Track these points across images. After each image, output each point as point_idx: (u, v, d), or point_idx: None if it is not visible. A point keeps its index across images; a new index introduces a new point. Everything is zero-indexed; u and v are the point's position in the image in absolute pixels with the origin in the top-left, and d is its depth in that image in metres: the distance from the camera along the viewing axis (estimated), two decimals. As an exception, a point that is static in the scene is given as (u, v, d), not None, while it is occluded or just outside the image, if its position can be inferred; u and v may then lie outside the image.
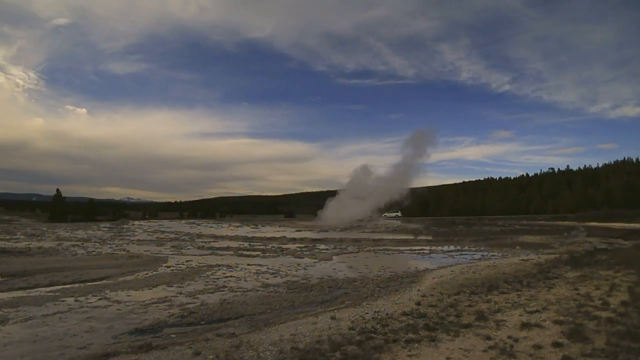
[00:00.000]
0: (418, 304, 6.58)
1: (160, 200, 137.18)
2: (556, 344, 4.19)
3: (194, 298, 7.76)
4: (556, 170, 69.99)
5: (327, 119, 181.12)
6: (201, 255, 15.10)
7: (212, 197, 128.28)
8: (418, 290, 7.91)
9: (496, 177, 79.25)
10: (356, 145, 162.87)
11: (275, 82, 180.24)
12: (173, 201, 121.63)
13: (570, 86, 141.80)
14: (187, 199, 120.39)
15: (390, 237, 24.43)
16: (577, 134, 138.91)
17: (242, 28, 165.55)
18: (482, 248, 17.47)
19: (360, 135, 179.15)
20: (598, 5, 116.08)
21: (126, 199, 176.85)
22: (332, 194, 50.51)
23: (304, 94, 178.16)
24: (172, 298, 7.75)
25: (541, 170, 77.73)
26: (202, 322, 6.12)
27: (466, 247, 17.99)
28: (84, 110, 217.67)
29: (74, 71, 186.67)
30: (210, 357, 4.20)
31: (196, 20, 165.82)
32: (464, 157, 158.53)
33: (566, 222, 33.74)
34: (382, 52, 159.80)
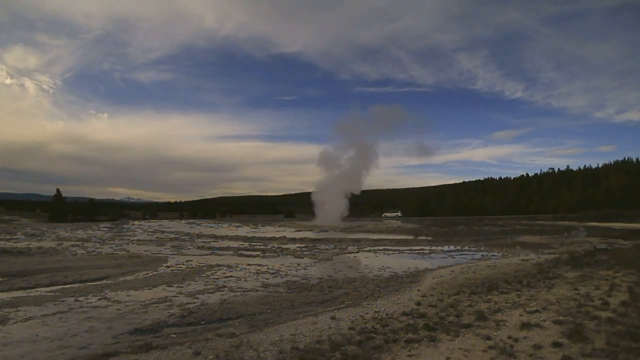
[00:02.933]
0: (418, 304, 6.58)
1: (161, 200, 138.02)
2: (556, 344, 4.19)
3: (194, 298, 7.76)
4: (556, 170, 70.11)
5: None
6: (201, 255, 15.10)
7: (212, 197, 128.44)
8: (418, 290, 7.91)
9: (497, 177, 79.38)
10: None
11: (299, 89, 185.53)
12: (173, 201, 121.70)
13: (580, 93, 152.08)
14: (189, 199, 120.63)
15: (390, 237, 24.42)
16: (582, 137, 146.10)
17: (275, 42, 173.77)
18: (482, 248, 17.47)
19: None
20: (607, 22, 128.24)
21: (126, 199, 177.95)
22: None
23: (324, 101, 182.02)
24: (172, 298, 7.74)
25: (541, 170, 77.78)
26: (202, 322, 6.12)
27: (466, 247, 17.99)
28: (105, 115, 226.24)
29: (102, 79, 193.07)
30: (210, 357, 4.20)
31: (232, 36, 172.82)
32: (470, 159, 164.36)
33: (566, 222, 33.76)
34: (403, 61, 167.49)
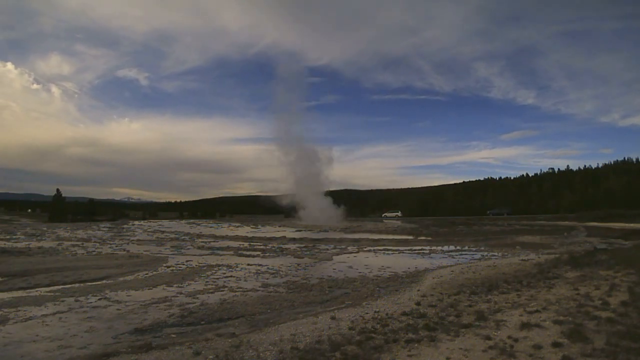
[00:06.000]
0: (418, 304, 6.58)
1: (163, 200, 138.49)
2: (556, 344, 4.18)
3: (194, 298, 7.76)
4: (556, 170, 70.03)
5: (356, 127, 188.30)
6: (201, 255, 15.10)
7: (212, 197, 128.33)
8: (418, 290, 7.90)
9: (497, 177, 79.32)
10: (373, 148, 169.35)
11: (320, 96, 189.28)
12: (173, 201, 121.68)
13: (588, 99, 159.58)
14: (190, 199, 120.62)
15: (390, 237, 24.42)
16: (587, 140, 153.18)
17: (305, 56, 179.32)
18: (482, 248, 17.47)
19: (380, 139, 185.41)
20: (613, 38, 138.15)
21: (126, 199, 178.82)
22: (335, 193, 50.45)
23: (343, 107, 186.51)
24: (172, 298, 7.75)
25: (541, 170, 77.66)
26: (202, 322, 6.12)
27: (466, 247, 17.99)
28: (126, 119, 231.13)
29: (128, 85, 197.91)
30: (210, 357, 4.20)
31: (264, 51, 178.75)
32: (476, 160, 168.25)
33: (566, 222, 33.70)
34: (424, 70, 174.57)
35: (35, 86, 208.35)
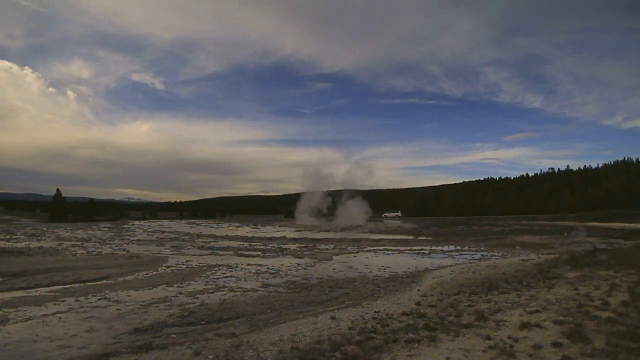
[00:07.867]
0: (418, 304, 6.58)
1: (161, 200, 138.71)
2: (556, 344, 4.18)
3: (194, 298, 7.76)
4: (556, 170, 69.92)
5: (364, 129, 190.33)
6: (201, 255, 15.10)
7: (212, 197, 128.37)
8: (418, 290, 7.91)
9: (497, 177, 79.24)
10: (379, 149, 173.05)
11: (332, 100, 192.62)
12: (173, 201, 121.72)
13: (593, 102, 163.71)
14: (191, 199, 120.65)
15: (390, 237, 24.43)
16: (590, 142, 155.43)
17: (321, 64, 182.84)
18: (482, 248, 17.46)
19: (386, 140, 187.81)
20: (620, 44, 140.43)
21: (126, 199, 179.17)
22: (336, 193, 50.54)
23: (353, 110, 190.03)
24: (172, 298, 7.75)
25: (541, 170, 77.56)
26: (202, 322, 6.12)
27: (466, 247, 17.99)
28: (138, 121, 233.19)
29: (143, 89, 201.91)
30: (210, 357, 4.20)
31: (283, 60, 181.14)
32: (478, 161, 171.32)
33: (566, 222, 33.72)
34: (435, 75, 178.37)
35: (51, 90, 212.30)
